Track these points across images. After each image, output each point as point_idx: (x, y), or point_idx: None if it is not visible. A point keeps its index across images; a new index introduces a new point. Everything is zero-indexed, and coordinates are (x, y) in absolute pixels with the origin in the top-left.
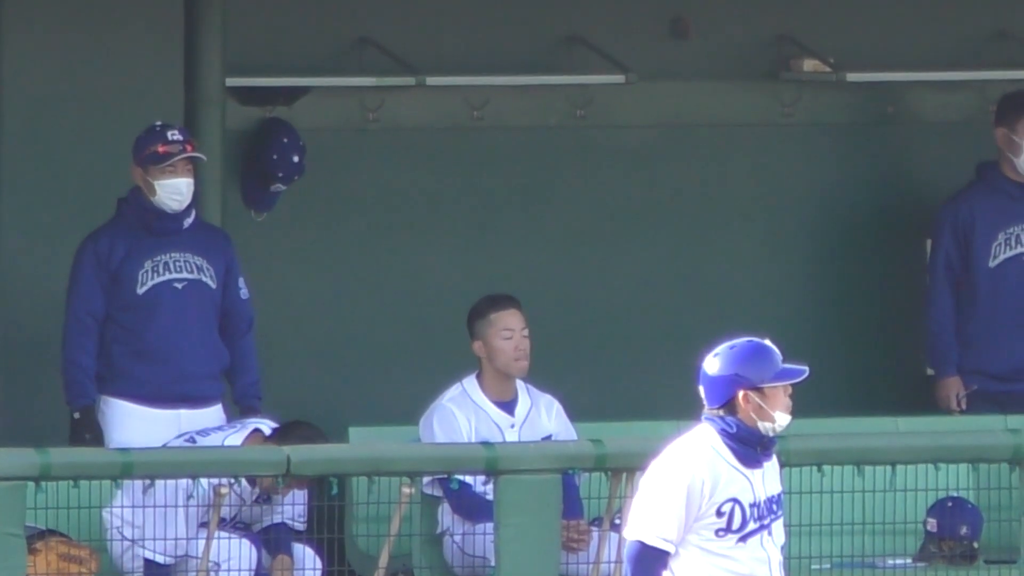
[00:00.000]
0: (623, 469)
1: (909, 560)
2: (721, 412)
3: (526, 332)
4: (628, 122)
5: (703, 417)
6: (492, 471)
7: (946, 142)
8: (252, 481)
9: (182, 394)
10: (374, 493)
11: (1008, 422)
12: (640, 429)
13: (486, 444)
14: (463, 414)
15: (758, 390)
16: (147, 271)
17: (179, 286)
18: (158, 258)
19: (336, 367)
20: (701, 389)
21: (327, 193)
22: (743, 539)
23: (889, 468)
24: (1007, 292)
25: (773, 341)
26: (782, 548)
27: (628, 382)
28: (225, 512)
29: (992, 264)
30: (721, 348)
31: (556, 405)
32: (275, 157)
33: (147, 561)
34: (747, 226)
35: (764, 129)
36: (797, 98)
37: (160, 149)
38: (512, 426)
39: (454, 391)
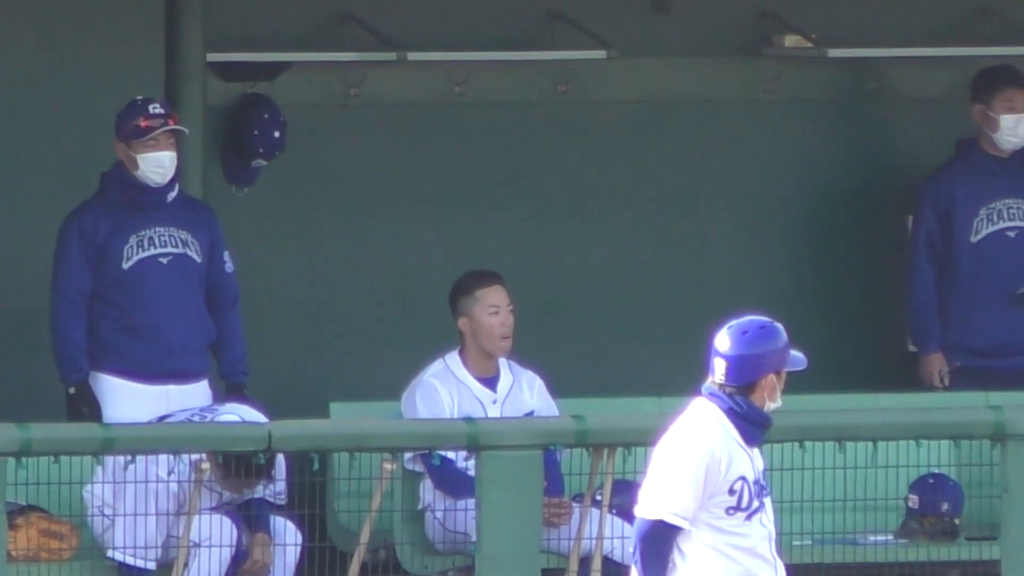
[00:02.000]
0: (604, 445)
1: (890, 536)
2: (734, 390)
3: (511, 308)
4: (610, 98)
5: (706, 392)
6: (474, 447)
7: (928, 118)
8: (230, 485)
9: (170, 370)
10: (355, 469)
11: (990, 399)
12: (621, 405)
13: (468, 420)
14: (446, 389)
15: (777, 373)
16: (132, 246)
17: (164, 261)
18: (143, 233)
19: (317, 343)
20: (722, 364)
21: (308, 169)
22: (748, 517)
23: (871, 444)
24: (989, 268)
25: (772, 318)
26: (775, 524)
27: (609, 358)
28: (205, 502)
29: (974, 240)
30: (748, 326)
31: (538, 381)
32: (256, 133)
33: (121, 564)
34: (728, 202)
35: (746, 105)
36: (779, 74)
37: (142, 123)
38: (494, 402)
39: (436, 367)
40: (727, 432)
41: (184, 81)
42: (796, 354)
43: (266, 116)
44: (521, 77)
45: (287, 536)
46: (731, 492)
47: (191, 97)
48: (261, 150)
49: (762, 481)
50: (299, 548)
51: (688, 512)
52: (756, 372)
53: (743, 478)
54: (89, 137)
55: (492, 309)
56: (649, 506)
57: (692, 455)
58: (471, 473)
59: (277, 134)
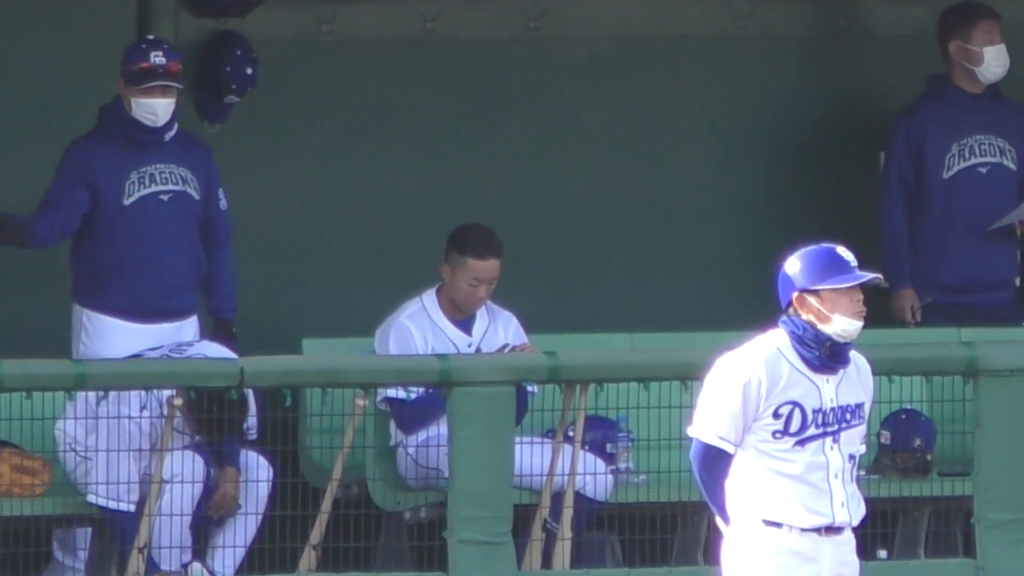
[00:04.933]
0: (576, 381)
1: (863, 472)
2: (792, 313)
3: (495, 282)
4: (582, 35)
5: (779, 320)
6: (446, 383)
7: (899, 55)
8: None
9: (164, 308)
10: (328, 405)
11: (962, 335)
12: (594, 341)
13: (440, 356)
14: (420, 332)
15: (814, 293)
16: (133, 182)
17: (165, 198)
18: (144, 169)
19: (290, 279)
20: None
21: (281, 105)
22: (801, 443)
23: None
24: (961, 203)
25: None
26: (851, 457)
27: (582, 295)
28: (176, 442)
29: (946, 176)
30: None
31: (514, 322)
32: (228, 69)
33: (103, 508)
34: (701, 139)
35: (717, 42)
36: (751, 11)
37: (140, 67)
38: (469, 345)
39: (413, 307)
40: (781, 356)
41: (156, 18)
42: (850, 274)
43: (238, 52)
44: (493, 14)
45: (259, 471)
46: (776, 416)
47: (163, 34)
48: (234, 86)
49: (830, 412)
50: (271, 483)
51: (729, 435)
52: (784, 293)
53: (795, 403)
54: (60, 74)
55: (473, 281)
56: (695, 427)
57: (727, 379)
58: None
59: (249, 70)
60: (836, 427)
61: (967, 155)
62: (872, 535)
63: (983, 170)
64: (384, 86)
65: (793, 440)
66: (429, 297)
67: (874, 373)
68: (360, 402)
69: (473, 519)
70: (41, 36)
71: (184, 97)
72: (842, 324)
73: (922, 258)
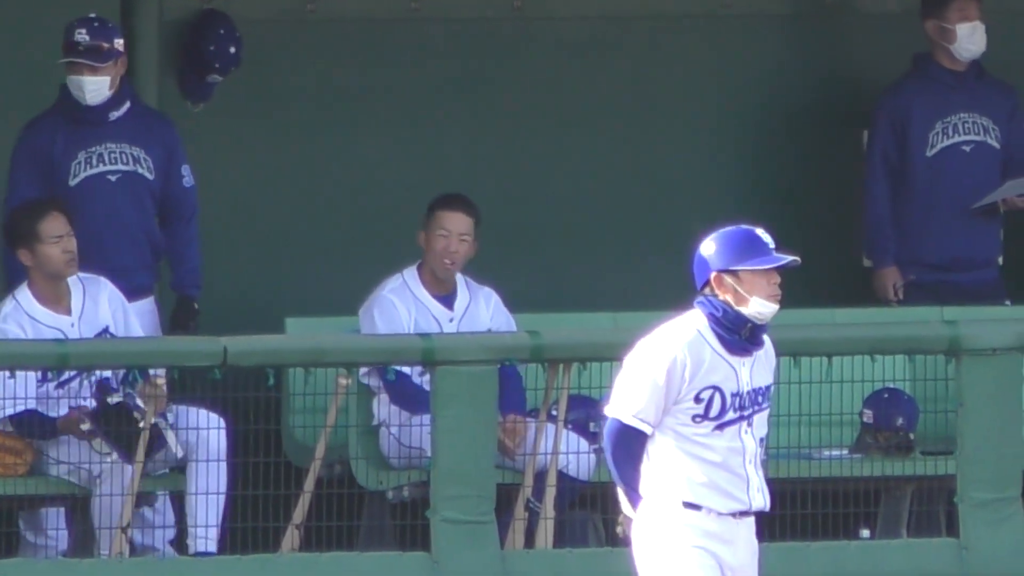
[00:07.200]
0: (560, 360)
1: (845, 451)
2: (709, 294)
3: (466, 237)
4: (566, 13)
5: (695, 301)
6: (429, 362)
7: (884, 33)
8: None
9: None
10: (311, 384)
11: (944, 313)
12: (577, 321)
13: (423, 335)
14: (404, 305)
15: (732, 274)
16: (80, 162)
17: (113, 178)
18: (92, 149)
19: (274, 258)
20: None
21: (264, 84)
22: (720, 427)
23: (825, 359)
24: (944, 181)
25: (713, 230)
26: (761, 440)
27: (566, 273)
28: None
29: (930, 154)
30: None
31: (495, 297)
32: (212, 48)
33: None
34: (685, 118)
35: (703, 20)
36: None
37: (65, 42)
38: (451, 320)
39: (394, 282)
40: (703, 340)
41: None
42: (769, 256)
43: (222, 32)
44: None
45: (210, 420)
46: (697, 400)
47: (147, 12)
48: (217, 65)
49: (746, 395)
50: (221, 431)
51: (649, 416)
52: (701, 273)
53: (715, 387)
54: (44, 54)
55: (442, 232)
56: (613, 406)
57: (654, 359)
58: (426, 388)
59: (233, 50)
60: (751, 410)
61: (951, 133)
62: (855, 514)
63: (967, 148)
64: (369, 65)
65: (712, 424)
66: (410, 273)
67: (853, 352)
68: (343, 381)
69: (456, 498)
70: (23, 14)
71: (167, 76)
72: (759, 306)
73: (905, 236)
